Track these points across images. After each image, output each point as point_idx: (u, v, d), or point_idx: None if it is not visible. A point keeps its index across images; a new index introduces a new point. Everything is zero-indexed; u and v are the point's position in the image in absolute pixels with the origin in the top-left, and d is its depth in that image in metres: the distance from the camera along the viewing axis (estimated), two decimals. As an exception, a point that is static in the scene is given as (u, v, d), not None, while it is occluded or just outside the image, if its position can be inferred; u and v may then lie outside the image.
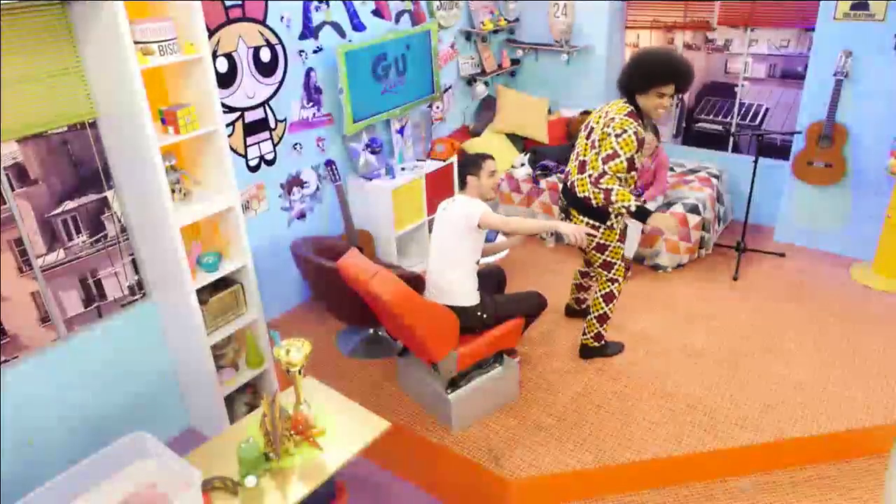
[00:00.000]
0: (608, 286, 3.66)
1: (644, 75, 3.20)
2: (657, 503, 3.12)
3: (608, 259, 3.58)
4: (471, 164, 3.42)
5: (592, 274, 3.74)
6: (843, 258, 4.96)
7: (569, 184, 3.51)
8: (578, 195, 3.39)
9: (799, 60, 5.13)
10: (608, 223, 3.45)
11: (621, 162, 3.17)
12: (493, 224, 3.25)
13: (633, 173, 3.33)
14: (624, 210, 3.20)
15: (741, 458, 3.23)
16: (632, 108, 3.26)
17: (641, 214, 3.21)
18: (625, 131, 3.16)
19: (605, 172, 3.18)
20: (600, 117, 3.36)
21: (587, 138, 3.40)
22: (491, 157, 3.46)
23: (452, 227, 3.32)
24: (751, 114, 5.50)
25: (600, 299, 3.71)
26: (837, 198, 4.89)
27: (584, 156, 3.38)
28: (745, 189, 5.09)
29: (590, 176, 3.25)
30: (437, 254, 3.41)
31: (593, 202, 3.30)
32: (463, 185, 3.45)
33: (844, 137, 4.68)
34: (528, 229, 3.48)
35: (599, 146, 3.26)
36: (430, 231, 5.21)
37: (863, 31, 4.45)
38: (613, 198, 3.15)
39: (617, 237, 3.53)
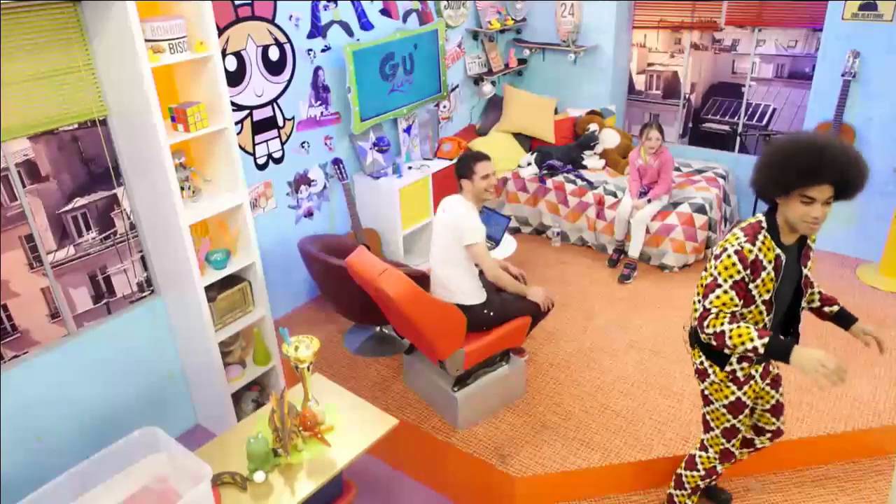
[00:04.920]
0: (698, 453, 2.76)
1: (781, 172, 2.21)
2: (663, 503, 3.12)
3: (708, 418, 2.66)
4: (463, 167, 3.32)
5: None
6: (850, 259, 4.95)
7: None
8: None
9: (806, 61, 5.12)
10: (727, 368, 2.49)
11: (725, 293, 2.27)
12: (478, 259, 3.29)
13: (751, 308, 2.35)
14: (751, 354, 2.23)
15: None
16: (761, 219, 2.34)
17: (779, 353, 2.18)
18: (724, 250, 2.29)
19: (706, 311, 2.31)
20: None
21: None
22: (486, 158, 3.33)
23: (448, 232, 3.32)
24: (758, 114, 5.49)
25: (684, 466, 2.82)
26: (844, 198, 4.87)
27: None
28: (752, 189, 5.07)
29: (696, 320, 2.37)
30: (437, 254, 3.41)
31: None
32: (460, 186, 3.40)
33: (852, 138, 4.66)
34: (503, 285, 3.41)
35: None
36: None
37: (871, 32, 4.44)
38: (729, 342, 2.23)
39: (732, 394, 2.52)
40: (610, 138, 5.56)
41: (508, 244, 4.58)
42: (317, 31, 4.25)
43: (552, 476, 3.15)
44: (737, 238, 2.28)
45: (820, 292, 2.57)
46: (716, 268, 2.29)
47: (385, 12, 4.73)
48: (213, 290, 3.39)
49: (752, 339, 2.18)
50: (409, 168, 4.90)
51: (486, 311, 3.36)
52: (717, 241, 5.00)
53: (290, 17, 4.05)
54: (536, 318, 3.57)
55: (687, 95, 5.80)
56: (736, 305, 2.28)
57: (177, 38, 2.89)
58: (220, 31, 3.63)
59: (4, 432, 2.95)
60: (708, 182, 5.12)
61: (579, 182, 5.20)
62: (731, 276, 2.26)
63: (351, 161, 4.73)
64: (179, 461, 2.37)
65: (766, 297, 2.33)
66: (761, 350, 2.16)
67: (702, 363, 2.55)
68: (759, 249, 2.26)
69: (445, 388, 3.38)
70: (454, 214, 3.30)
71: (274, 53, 4.00)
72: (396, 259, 4.75)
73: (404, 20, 4.91)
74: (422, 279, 3.55)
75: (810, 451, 3.27)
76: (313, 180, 4.50)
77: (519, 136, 5.78)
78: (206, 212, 3.23)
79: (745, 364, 2.46)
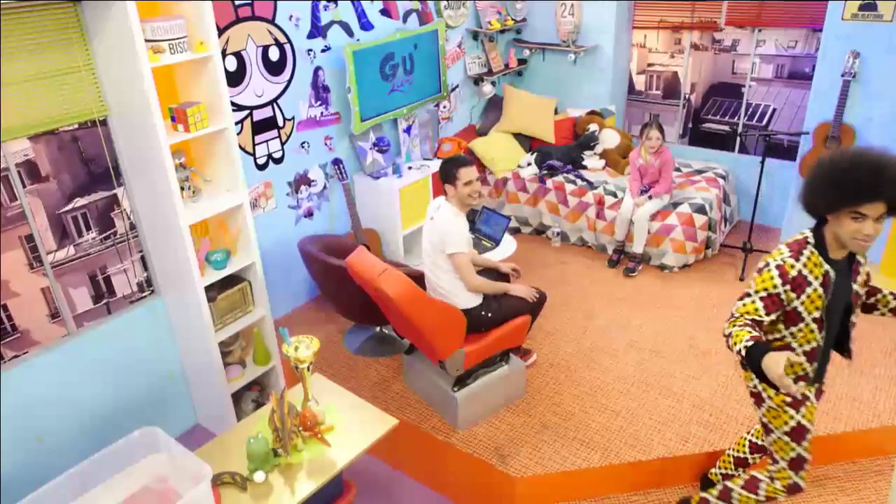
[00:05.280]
0: (765, 480, 2.58)
1: (830, 188, 2.14)
2: (663, 502, 3.12)
3: (772, 449, 2.54)
4: (446, 172, 3.28)
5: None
6: (850, 259, 4.95)
7: None
8: None
9: (806, 61, 5.13)
10: (782, 391, 2.31)
11: (752, 302, 2.23)
12: (458, 270, 3.26)
13: (801, 326, 2.29)
14: (740, 357, 2.13)
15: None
16: (807, 235, 2.28)
17: (754, 358, 2.05)
18: (766, 265, 2.26)
19: (731, 315, 2.27)
20: None
21: None
22: (469, 164, 3.28)
23: (435, 237, 3.31)
24: (758, 114, 5.49)
25: (742, 484, 2.65)
26: (844, 199, 4.87)
27: None
28: (752, 189, 5.08)
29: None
30: (428, 260, 3.41)
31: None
32: (444, 191, 3.37)
33: (852, 138, 4.66)
34: (485, 291, 3.38)
35: None
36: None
37: (871, 32, 4.43)
38: (730, 342, 2.17)
39: (791, 418, 2.43)
40: (610, 138, 5.57)
41: (508, 244, 4.58)
42: (317, 31, 4.25)
43: (552, 476, 3.15)
44: (780, 253, 2.25)
45: (892, 292, 2.48)
46: (754, 279, 2.26)
47: (385, 12, 4.73)
48: (213, 290, 3.39)
49: (742, 341, 2.09)
50: (409, 168, 4.90)
51: (483, 313, 3.36)
52: (716, 241, 5.00)
53: (290, 17, 4.05)
54: (534, 313, 3.57)
55: (687, 95, 5.80)
56: (759, 315, 2.21)
57: (177, 38, 2.89)
58: (220, 32, 3.63)
59: (4, 432, 2.95)
60: (708, 182, 5.13)
61: (579, 182, 5.20)
62: (765, 289, 2.22)
63: (351, 161, 4.73)
64: (179, 461, 2.37)
65: (816, 314, 2.25)
66: (743, 352, 2.07)
67: (755, 386, 2.48)
68: (804, 265, 2.22)
69: (445, 388, 3.38)
70: (440, 220, 3.30)
71: (274, 53, 4.00)
72: (396, 259, 4.75)
73: (404, 20, 4.91)
74: (422, 279, 3.55)
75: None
76: (313, 180, 4.50)
77: (519, 136, 5.78)
78: (206, 212, 3.23)
79: (800, 384, 2.33)
